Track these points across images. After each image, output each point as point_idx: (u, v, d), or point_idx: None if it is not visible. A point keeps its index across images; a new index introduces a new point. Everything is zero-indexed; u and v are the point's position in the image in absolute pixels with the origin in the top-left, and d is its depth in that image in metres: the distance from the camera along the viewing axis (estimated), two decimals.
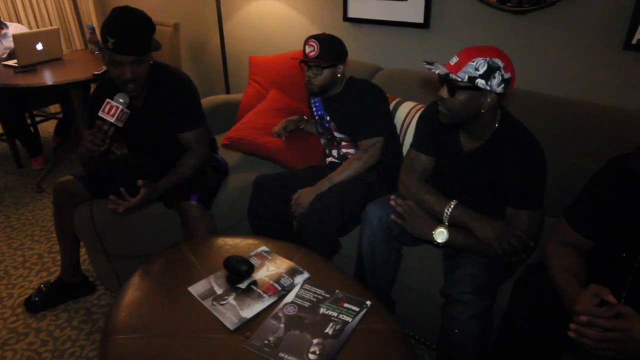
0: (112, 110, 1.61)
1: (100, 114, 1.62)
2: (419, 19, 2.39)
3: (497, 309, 1.42)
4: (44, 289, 2.12)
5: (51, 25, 4.22)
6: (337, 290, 1.36)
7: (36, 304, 2.08)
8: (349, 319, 1.26)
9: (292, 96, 2.53)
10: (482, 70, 1.31)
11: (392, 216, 1.57)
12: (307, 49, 1.89)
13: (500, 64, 1.31)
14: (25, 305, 2.09)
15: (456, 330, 1.39)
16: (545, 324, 1.24)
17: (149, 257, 1.55)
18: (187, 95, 1.86)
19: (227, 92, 3.46)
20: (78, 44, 4.43)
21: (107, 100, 1.62)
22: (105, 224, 1.89)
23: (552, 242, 1.35)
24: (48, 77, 2.92)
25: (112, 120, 1.61)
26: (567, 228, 1.34)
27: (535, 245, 1.47)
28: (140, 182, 1.69)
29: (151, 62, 1.74)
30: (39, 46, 3.14)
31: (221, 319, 1.26)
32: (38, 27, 4.14)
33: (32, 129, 3.73)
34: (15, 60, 3.11)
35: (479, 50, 1.32)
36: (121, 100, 1.64)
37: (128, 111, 1.66)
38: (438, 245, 1.52)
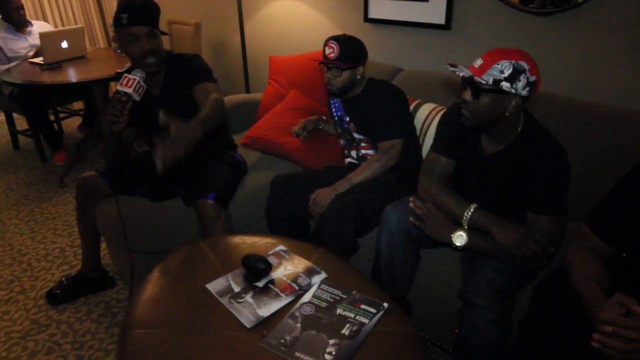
0: (130, 82, 1.66)
1: (118, 87, 1.67)
2: (441, 20, 2.38)
3: (516, 315, 1.40)
4: (65, 282, 2.16)
5: (76, 24, 4.31)
6: (354, 292, 1.36)
7: (57, 297, 2.12)
8: (366, 321, 1.25)
9: (312, 96, 2.53)
10: (507, 73, 1.29)
11: (411, 218, 1.56)
12: (327, 51, 1.89)
13: (526, 66, 1.29)
14: (47, 298, 2.14)
15: (471, 335, 1.38)
16: (565, 331, 1.22)
17: (167, 253, 1.57)
18: (200, 65, 1.91)
19: (247, 91, 3.48)
20: (102, 42, 4.51)
21: (125, 74, 1.68)
22: (125, 219, 1.91)
23: (574, 249, 1.33)
24: (72, 75, 2.97)
25: (130, 91, 1.65)
26: (589, 234, 1.31)
27: (556, 251, 1.44)
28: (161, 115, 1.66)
29: (162, 42, 1.81)
30: (64, 44, 3.21)
31: (238, 316, 1.27)
32: (63, 26, 4.23)
33: (56, 125, 3.81)
34: (41, 58, 3.17)
35: (504, 53, 1.31)
36: (138, 75, 1.69)
37: (145, 86, 1.70)
38: (457, 248, 1.50)
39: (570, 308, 1.21)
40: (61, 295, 2.12)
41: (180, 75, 1.87)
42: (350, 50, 1.88)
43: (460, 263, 1.66)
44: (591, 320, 1.13)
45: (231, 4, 3.40)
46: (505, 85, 1.30)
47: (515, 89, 1.31)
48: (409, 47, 2.60)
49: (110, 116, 1.67)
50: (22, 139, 3.92)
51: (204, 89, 1.82)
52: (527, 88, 1.32)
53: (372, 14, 2.68)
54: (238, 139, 2.40)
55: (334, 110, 2.10)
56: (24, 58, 3.36)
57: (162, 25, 1.85)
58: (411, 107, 2.13)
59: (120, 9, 1.70)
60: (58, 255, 2.48)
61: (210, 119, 1.61)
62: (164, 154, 1.43)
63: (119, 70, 2.90)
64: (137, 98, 1.68)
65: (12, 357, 1.85)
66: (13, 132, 3.79)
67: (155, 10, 1.77)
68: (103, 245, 2.29)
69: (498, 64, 1.30)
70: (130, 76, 1.66)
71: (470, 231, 1.48)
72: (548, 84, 2.04)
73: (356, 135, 2.04)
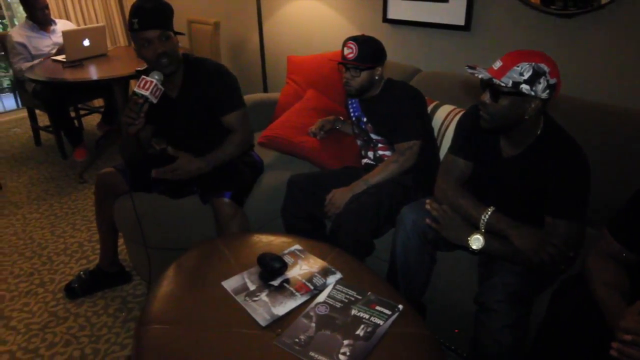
0: (147, 84, 1.67)
1: (135, 89, 1.68)
2: (460, 21, 2.36)
3: (532, 320, 1.38)
4: (83, 276, 2.19)
5: (97, 22, 4.37)
6: (369, 293, 1.36)
7: (75, 290, 2.16)
8: (381, 322, 1.25)
9: (329, 96, 2.54)
10: (527, 76, 1.28)
11: (427, 220, 1.55)
12: (346, 51, 1.89)
13: (546, 69, 1.28)
14: (65, 291, 2.18)
15: (486, 339, 1.36)
16: (583, 338, 1.21)
17: (183, 250, 1.59)
18: (225, 79, 1.92)
19: (265, 90, 3.50)
20: (122, 40, 4.57)
21: (142, 76, 1.68)
22: (143, 215, 1.94)
23: (594, 255, 1.30)
24: (93, 72, 3.02)
25: (147, 93, 1.66)
26: (610, 240, 1.29)
27: (575, 256, 1.42)
28: (170, 150, 1.79)
29: (178, 46, 1.81)
30: (86, 42, 3.25)
31: (253, 314, 1.27)
32: (85, 24, 4.29)
33: (76, 122, 3.88)
34: (63, 56, 3.23)
35: (524, 55, 1.29)
36: (156, 77, 1.69)
37: (162, 88, 1.71)
38: (473, 251, 1.49)
39: (589, 315, 1.19)
40: (79, 289, 2.16)
41: (200, 81, 1.88)
42: (369, 50, 1.87)
43: (476, 266, 1.65)
44: (610, 328, 1.11)
45: (250, 3, 3.42)
46: (525, 87, 1.29)
47: (535, 92, 1.29)
48: (427, 48, 2.59)
49: (126, 118, 1.69)
50: (43, 135, 3.99)
51: (231, 122, 1.93)
52: (547, 91, 1.30)
53: (391, 15, 2.67)
54: (255, 138, 2.41)
55: (351, 110, 2.10)
56: (47, 56, 3.42)
57: (181, 25, 1.86)
58: (429, 109, 2.12)
59: (132, 13, 1.70)
60: (77, 249, 2.53)
61: (224, 157, 1.91)
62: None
63: (139, 69, 2.94)
64: (154, 100, 1.70)
65: (31, 347, 1.89)
66: (35, 128, 3.87)
67: (168, 12, 1.75)
68: (120, 241, 2.33)
69: (518, 66, 1.29)
70: (148, 78, 1.67)
71: (487, 234, 1.47)
72: (569, 87, 2.01)
73: (373, 136, 2.04)
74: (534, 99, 1.32)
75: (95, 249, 2.50)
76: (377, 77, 1.94)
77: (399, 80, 2.04)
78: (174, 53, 1.78)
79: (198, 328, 1.24)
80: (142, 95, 1.67)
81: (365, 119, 2.04)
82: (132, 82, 3.65)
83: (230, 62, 3.95)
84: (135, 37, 1.73)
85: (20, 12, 3.49)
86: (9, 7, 4.38)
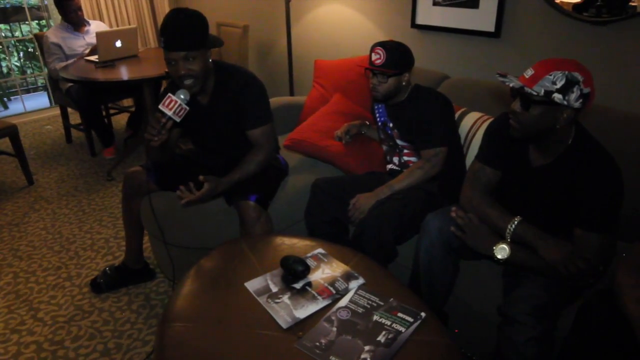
0: (171, 104, 1.65)
1: (160, 106, 1.67)
2: (490, 27, 2.33)
3: (558, 334, 1.35)
4: (108, 271, 2.24)
5: (129, 23, 4.47)
6: (392, 299, 1.35)
7: (100, 286, 2.20)
8: (402, 329, 1.24)
9: (356, 101, 2.53)
10: (559, 85, 1.25)
11: (452, 228, 1.53)
12: (374, 57, 1.89)
13: (580, 78, 1.25)
14: (91, 286, 2.23)
15: (509, 351, 1.34)
16: (611, 356, 1.17)
17: (207, 249, 1.60)
18: (253, 92, 1.90)
19: (291, 94, 3.51)
20: (153, 42, 4.66)
21: (169, 94, 1.68)
22: (167, 215, 1.97)
23: (625, 270, 1.26)
24: (124, 73, 3.09)
25: (170, 113, 1.65)
26: None
27: (604, 270, 1.39)
28: (201, 177, 1.75)
29: (209, 58, 1.78)
30: (118, 43, 3.33)
31: (275, 316, 1.28)
32: (118, 26, 4.40)
33: (106, 120, 3.97)
34: (96, 56, 3.31)
35: (557, 63, 1.27)
36: (182, 97, 1.68)
37: (187, 108, 1.69)
38: (498, 261, 1.46)
39: (617, 332, 1.16)
40: (104, 285, 2.20)
41: (229, 92, 1.88)
42: (396, 57, 1.86)
43: (501, 277, 1.62)
44: None
45: (279, 7, 3.45)
46: (557, 97, 1.26)
47: (568, 101, 1.27)
48: (456, 54, 2.57)
49: (148, 135, 1.69)
50: (74, 132, 4.09)
51: (256, 137, 1.92)
52: (580, 100, 1.27)
53: (420, 20, 2.66)
54: (280, 140, 2.42)
55: (377, 115, 2.10)
56: (81, 55, 3.51)
57: (211, 28, 1.84)
58: (456, 115, 2.10)
59: (161, 28, 1.68)
60: (103, 245, 2.58)
61: (246, 177, 1.89)
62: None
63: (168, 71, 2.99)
64: (177, 119, 1.68)
65: (57, 339, 1.94)
66: (66, 125, 3.97)
67: (197, 31, 1.69)
68: (145, 239, 2.36)
69: (550, 75, 1.26)
70: (174, 98, 1.66)
71: (513, 244, 1.44)
72: (604, 97, 1.97)
73: (399, 142, 2.03)
74: (566, 109, 1.29)
75: (120, 246, 2.55)
76: (404, 83, 1.93)
77: (427, 87, 2.03)
78: (200, 72, 1.73)
79: (219, 327, 1.25)
80: (166, 115, 1.67)
81: (391, 125, 2.03)
82: (163, 82, 3.71)
83: (258, 65, 3.99)
84: (164, 53, 1.72)
85: (57, 13, 3.59)
86: (46, 9, 4.53)
